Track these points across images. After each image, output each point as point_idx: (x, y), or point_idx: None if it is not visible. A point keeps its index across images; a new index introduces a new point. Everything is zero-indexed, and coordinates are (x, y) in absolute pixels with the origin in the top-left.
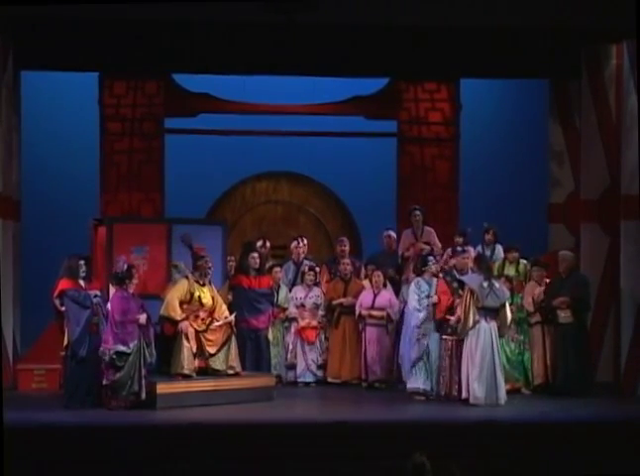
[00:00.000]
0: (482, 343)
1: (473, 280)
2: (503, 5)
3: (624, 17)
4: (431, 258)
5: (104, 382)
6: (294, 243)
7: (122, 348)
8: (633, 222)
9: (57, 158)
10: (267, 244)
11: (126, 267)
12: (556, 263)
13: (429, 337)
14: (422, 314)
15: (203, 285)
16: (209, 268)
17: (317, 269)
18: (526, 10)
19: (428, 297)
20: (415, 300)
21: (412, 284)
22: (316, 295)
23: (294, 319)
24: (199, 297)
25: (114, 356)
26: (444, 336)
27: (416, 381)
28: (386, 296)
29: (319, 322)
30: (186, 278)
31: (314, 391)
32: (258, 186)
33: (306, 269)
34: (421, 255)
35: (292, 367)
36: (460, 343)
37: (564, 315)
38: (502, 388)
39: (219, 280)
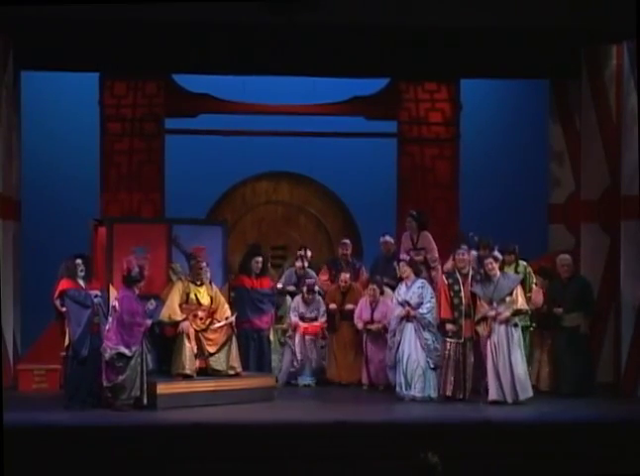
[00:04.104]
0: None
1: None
2: (504, 5)
3: (624, 17)
4: (401, 262)
5: (105, 383)
6: (299, 252)
7: (124, 350)
8: (633, 222)
9: (57, 158)
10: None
11: (138, 269)
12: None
13: (403, 342)
14: (394, 322)
15: (201, 285)
16: (200, 268)
17: (317, 288)
18: (526, 10)
19: (405, 301)
20: (394, 304)
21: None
22: (316, 308)
23: (297, 326)
24: (195, 296)
25: (115, 356)
26: (447, 339)
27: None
28: (383, 309)
29: (321, 322)
30: (180, 280)
31: (314, 392)
32: (258, 187)
33: (305, 289)
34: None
35: (300, 372)
36: (459, 346)
37: (568, 319)
38: None
39: (219, 280)
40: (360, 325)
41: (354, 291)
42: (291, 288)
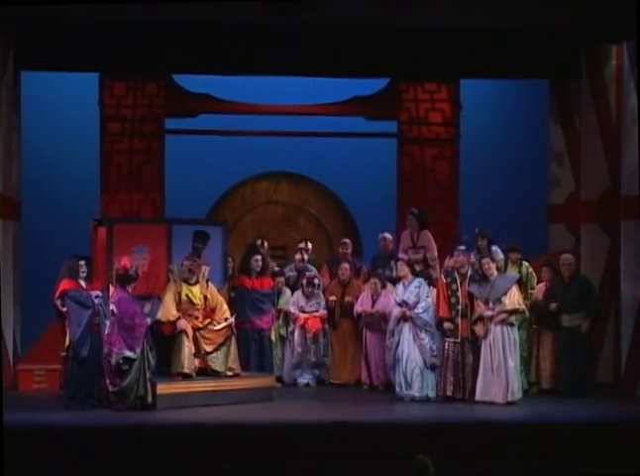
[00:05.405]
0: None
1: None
2: (504, 5)
3: (624, 17)
4: (399, 262)
5: (110, 389)
6: (301, 245)
7: (129, 354)
8: (633, 222)
9: (57, 158)
10: (265, 244)
11: (134, 268)
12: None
13: (402, 343)
14: (392, 323)
15: (194, 284)
16: (185, 267)
17: (317, 281)
18: (526, 10)
19: (403, 301)
20: (393, 304)
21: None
22: (317, 302)
23: (297, 317)
24: (187, 296)
25: (120, 361)
26: (446, 339)
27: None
28: (384, 301)
29: (321, 313)
30: (174, 280)
31: (314, 392)
32: (258, 187)
33: (305, 282)
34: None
35: (299, 366)
36: (458, 345)
37: (569, 319)
38: None
39: (219, 280)
40: (359, 309)
41: (354, 286)
42: (291, 273)
